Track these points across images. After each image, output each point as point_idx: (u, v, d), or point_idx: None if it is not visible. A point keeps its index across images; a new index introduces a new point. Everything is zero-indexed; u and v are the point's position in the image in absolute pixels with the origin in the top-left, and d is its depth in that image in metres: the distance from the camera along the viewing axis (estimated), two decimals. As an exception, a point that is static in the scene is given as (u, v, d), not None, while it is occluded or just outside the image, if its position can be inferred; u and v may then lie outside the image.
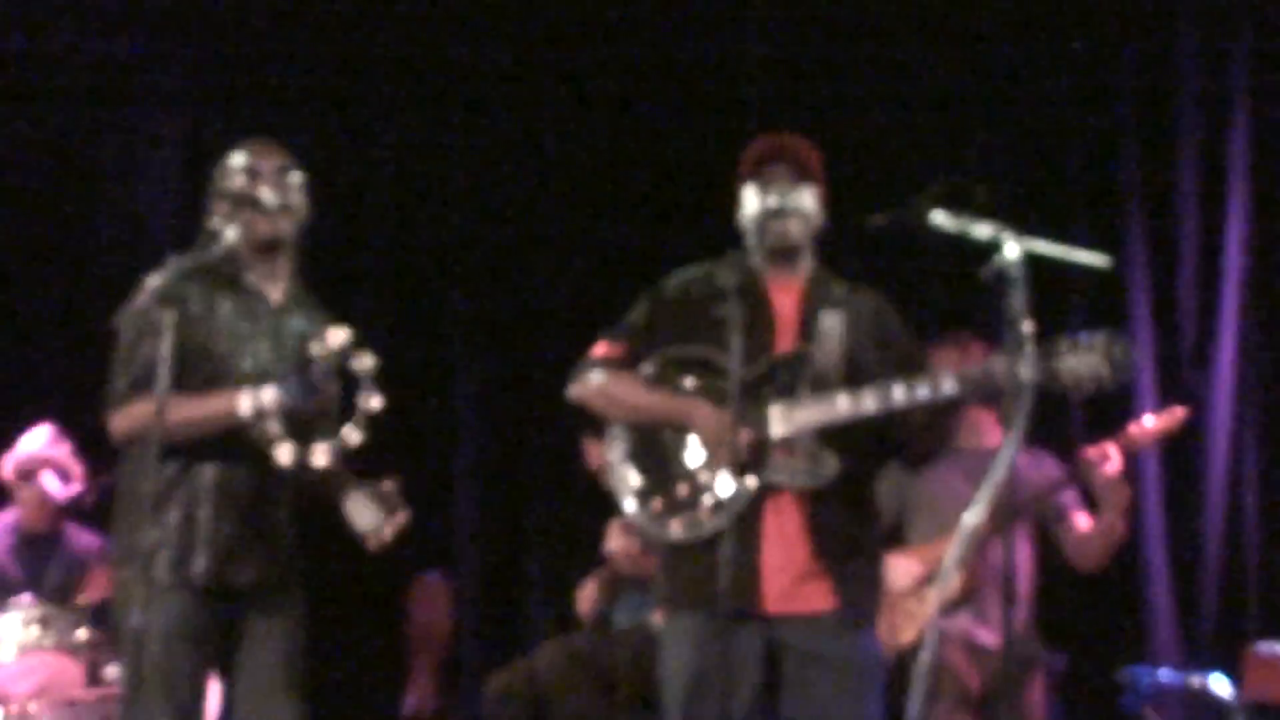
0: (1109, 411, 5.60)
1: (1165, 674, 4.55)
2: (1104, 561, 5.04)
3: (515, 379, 6.82)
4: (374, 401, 3.82)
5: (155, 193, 7.01)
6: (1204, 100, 6.15)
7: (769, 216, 3.90)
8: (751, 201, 3.93)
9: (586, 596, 5.50)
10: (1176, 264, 6.12)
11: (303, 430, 3.85)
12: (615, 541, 5.42)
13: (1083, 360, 3.64)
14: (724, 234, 4.09)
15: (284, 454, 3.76)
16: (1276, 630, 4.15)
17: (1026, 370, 3.35)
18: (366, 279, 6.82)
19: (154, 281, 3.64)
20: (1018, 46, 6.47)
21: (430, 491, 6.38)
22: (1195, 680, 4.38)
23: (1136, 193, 6.22)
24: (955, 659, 4.89)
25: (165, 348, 3.59)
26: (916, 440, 3.99)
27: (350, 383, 3.93)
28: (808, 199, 3.93)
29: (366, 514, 4.02)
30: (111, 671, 5.38)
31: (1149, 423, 4.92)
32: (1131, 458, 4.98)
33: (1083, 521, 5.00)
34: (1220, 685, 4.27)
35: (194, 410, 3.81)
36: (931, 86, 6.53)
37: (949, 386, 3.73)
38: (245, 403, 3.80)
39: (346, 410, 3.91)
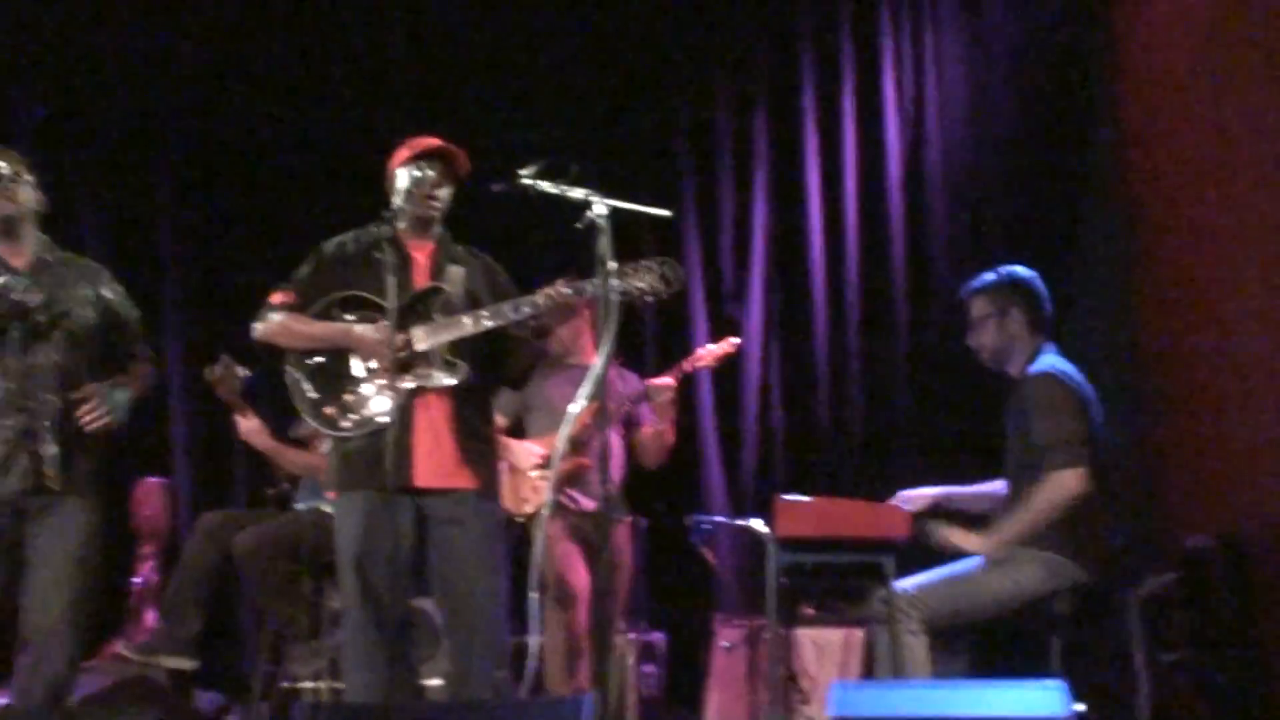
0: (674, 338, 6.17)
1: (719, 519, 4.94)
2: (660, 460, 5.42)
3: (219, 318, 6.76)
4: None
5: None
6: (733, 103, 6.64)
7: (421, 198, 4.17)
8: (407, 178, 4.18)
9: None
10: (718, 225, 6.59)
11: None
12: (243, 426, 5.51)
13: (644, 278, 3.94)
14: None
15: None
16: (794, 487, 4.40)
17: (610, 292, 3.65)
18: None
19: None
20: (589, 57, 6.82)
21: (152, 411, 6.23)
22: (740, 522, 4.68)
23: (688, 172, 6.67)
24: (569, 518, 5.28)
25: None
26: (514, 357, 4.25)
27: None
28: (447, 189, 4.24)
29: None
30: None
31: (707, 350, 5.32)
32: (690, 376, 5.37)
33: (648, 430, 5.41)
34: (758, 525, 4.52)
35: None
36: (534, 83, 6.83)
37: (540, 301, 4.02)
38: None
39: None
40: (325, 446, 5.44)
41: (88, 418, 4.13)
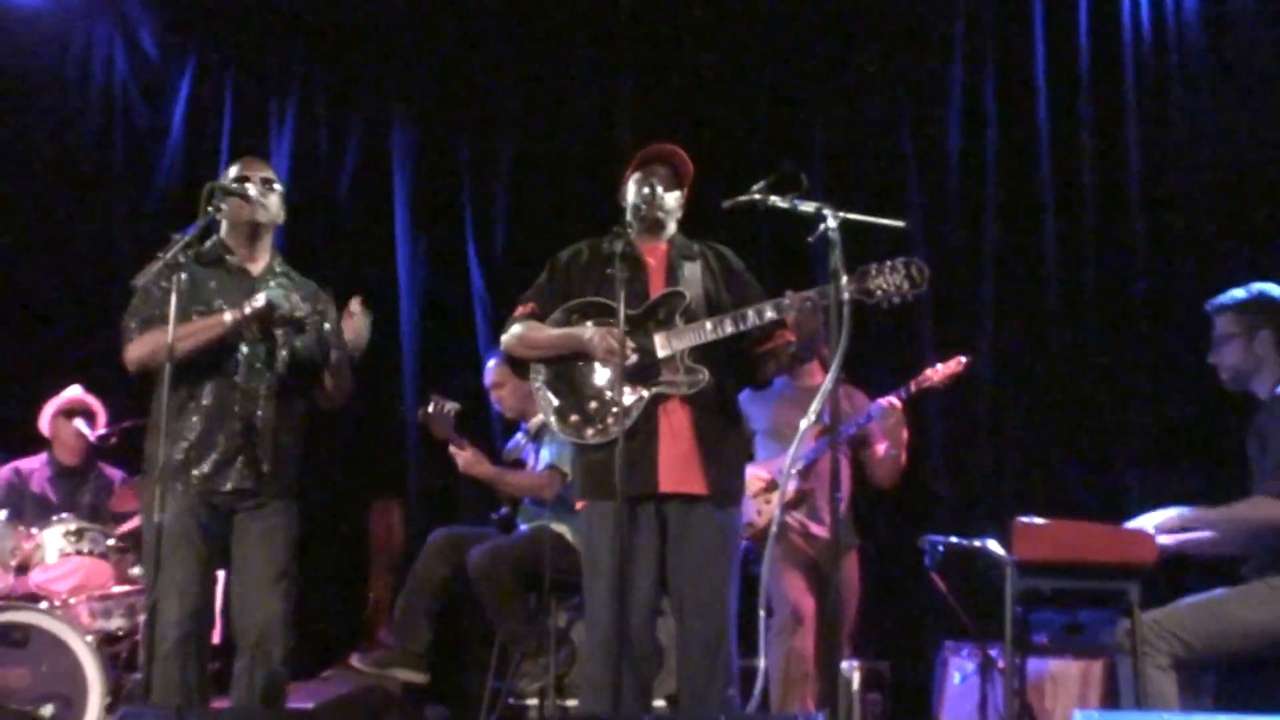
0: (903, 357, 5.93)
1: (955, 540, 4.50)
2: (893, 482, 5.26)
3: (451, 347, 6.90)
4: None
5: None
6: (964, 122, 6.46)
7: (646, 201, 4.13)
8: (635, 189, 4.16)
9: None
10: (948, 241, 6.39)
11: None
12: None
13: (890, 278, 3.81)
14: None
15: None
16: (1028, 509, 4.16)
17: (843, 306, 3.53)
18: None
19: (163, 254, 3.92)
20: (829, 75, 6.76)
21: (387, 438, 6.47)
22: (977, 544, 4.34)
23: (917, 195, 6.49)
24: (795, 541, 5.14)
25: (172, 298, 3.91)
26: (760, 361, 4.17)
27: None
28: (675, 193, 4.21)
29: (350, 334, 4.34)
30: (136, 571, 5.41)
31: (938, 369, 5.15)
32: (922, 396, 5.18)
33: (881, 450, 5.24)
34: (995, 548, 4.19)
35: (190, 329, 4.07)
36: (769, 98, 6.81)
37: (785, 304, 3.92)
38: (227, 315, 4.11)
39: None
40: (541, 464, 5.54)
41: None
